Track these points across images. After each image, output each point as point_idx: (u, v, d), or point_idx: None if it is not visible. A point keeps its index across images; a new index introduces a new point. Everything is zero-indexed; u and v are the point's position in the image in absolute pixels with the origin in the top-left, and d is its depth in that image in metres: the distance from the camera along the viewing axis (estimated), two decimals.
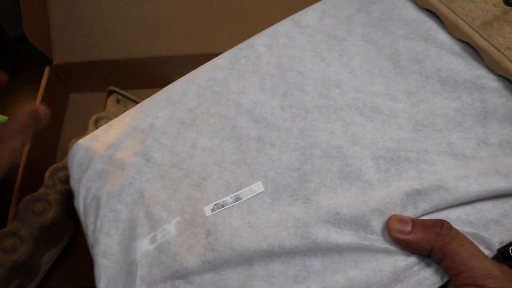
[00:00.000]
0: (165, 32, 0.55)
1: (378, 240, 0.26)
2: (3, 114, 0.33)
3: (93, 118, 0.47)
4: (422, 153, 0.28)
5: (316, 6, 0.36)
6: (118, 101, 0.51)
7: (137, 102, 0.51)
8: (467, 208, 0.27)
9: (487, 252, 0.26)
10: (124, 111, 0.49)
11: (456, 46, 0.32)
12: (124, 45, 0.54)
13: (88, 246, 0.31)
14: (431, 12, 0.33)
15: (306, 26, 0.35)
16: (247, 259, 0.27)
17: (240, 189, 0.29)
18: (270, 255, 0.27)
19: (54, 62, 0.54)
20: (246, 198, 0.29)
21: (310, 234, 0.26)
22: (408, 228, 0.25)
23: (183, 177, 0.31)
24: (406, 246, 0.25)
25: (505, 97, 0.29)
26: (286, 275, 0.26)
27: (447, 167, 0.28)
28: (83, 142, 0.35)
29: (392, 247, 0.26)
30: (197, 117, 0.33)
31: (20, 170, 0.46)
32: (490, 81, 0.30)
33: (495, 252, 0.26)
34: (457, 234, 0.25)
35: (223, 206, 0.29)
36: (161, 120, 0.34)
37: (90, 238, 0.31)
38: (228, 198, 0.29)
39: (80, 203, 0.32)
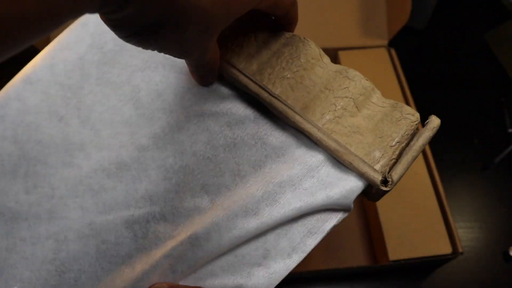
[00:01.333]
0: None
1: None
2: None
3: None
4: (176, 206, 0.26)
5: (45, 51, 0.30)
6: None
7: None
8: (229, 257, 0.25)
9: None
10: None
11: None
12: None
13: None
14: None
15: (38, 81, 0.29)
16: None
17: None
18: None
19: None
20: None
21: None
22: None
23: None
24: None
25: (246, 116, 0.27)
26: None
27: (199, 215, 0.25)
28: None
29: None
30: None
31: None
32: (234, 107, 0.27)
33: None
34: None
35: None
36: None
37: None
38: None
39: None
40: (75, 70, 0.29)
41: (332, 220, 0.25)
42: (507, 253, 0.47)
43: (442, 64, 0.62)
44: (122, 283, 0.24)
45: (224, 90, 0.27)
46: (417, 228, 0.42)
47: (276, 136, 0.26)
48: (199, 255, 0.24)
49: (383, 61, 0.55)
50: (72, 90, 0.29)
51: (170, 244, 0.25)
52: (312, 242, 0.25)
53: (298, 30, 0.28)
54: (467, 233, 0.48)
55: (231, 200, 0.25)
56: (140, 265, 0.25)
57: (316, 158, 0.26)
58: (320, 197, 0.24)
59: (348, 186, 0.25)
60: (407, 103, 0.51)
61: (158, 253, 0.24)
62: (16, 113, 0.28)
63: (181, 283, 0.25)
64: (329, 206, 0.25)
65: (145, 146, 0.27)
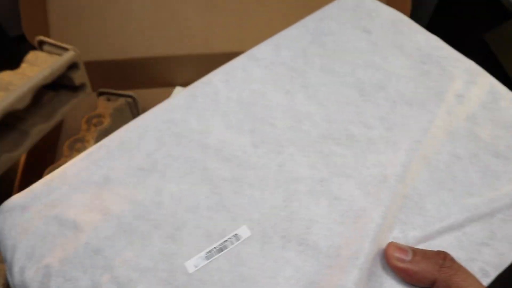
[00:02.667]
0: (165, 32, 0.55)
1: (384, 277, 0.24)
2: None
3: (85, 118, 0.49)
4: (406, 171, 0.28)
5: (269, 40, 0.35)
6: (108, 99, 0.52)
7: (127, 96, 0.52)
8: (458, 234, 0.26)
9: (486, 281, 0.25)
10: (114, 108, 0.49)
11: (412, 71, 0.33)
12: (124, 45, 0.54)
13: None
14: (382, 42, 0.35)
15: (263, 59, 0.34)
16: None
17: (224, 237, 0.26)
18: None
19: None
20: (232, 246, 0.26)
21: (313, 285, 0.24)
22: (409, 257, 0.24)
23: (152, 229, 0.27)
24: (406, 276, 0.24)
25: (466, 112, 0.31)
26: None
27: (427, 186, 0.28)
28: (18, 199, 0.29)
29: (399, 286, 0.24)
30: (158, 162, 0.30)
31: (20, 168, 0.46)
32: (453, 96, 0.31)
33: (492, 279, 0.25)
34: (460, 267, 0.24)
35: (207, 259, 0.26)
36: (116, 170, 0.29)
37: None
38: (212, 249, 0.26)
39: (16, 276, 0.26)
40: (299, 57, 0.34)
41: None
42: None
43: None
44: (358, 235, 0.25)
45: (445, 86, 0.32)
46: None
47: None
48: (428, 226, 0.26)
49: None
50: (297, 71, 0.33)
51: (400, 208, 0.27)
52: None
53: None
54: None
55: (451, 180, 0.28)
56: (376, 220, 0.26)
57: None
58: None
59: None
60: None
61: (391, 212, 0.26)
62: (241, 80, 0.33)
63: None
64: None
65: (373, 125, 0.30)
